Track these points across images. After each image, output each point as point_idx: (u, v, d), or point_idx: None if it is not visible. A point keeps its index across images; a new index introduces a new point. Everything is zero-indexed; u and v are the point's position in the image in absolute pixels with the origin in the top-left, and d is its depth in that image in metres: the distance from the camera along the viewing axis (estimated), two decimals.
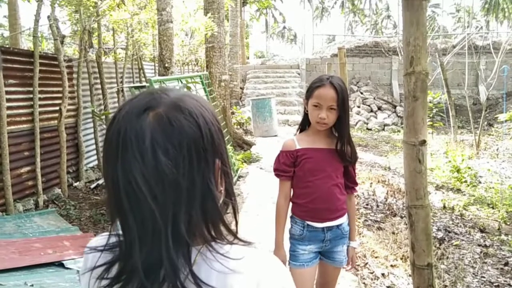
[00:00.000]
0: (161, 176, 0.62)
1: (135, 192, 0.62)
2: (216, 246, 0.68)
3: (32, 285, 2.41)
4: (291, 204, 2.13)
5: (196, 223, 0.66)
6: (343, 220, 2.08)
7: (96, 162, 7.00)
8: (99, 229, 4.51)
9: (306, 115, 2.07)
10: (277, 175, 2.11)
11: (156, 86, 5.12)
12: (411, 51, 1.81)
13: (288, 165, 2.05)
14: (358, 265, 3.47)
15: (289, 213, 2.14)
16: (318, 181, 2.00)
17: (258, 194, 5.76)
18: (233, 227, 0.72)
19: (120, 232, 0.69)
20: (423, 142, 1.84)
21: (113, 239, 0.71)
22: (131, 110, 0.66)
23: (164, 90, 0.70)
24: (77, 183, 6.15)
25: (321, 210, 2.01)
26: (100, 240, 0.75)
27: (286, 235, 2.12)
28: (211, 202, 0.68)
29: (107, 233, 0.74)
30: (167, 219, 0.63)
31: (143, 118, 0.64)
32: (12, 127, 4.84)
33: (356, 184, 2.15)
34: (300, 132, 2.15)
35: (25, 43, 17.88)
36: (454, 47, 12.86)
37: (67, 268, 2.87)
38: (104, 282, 0.67)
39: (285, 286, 0.69)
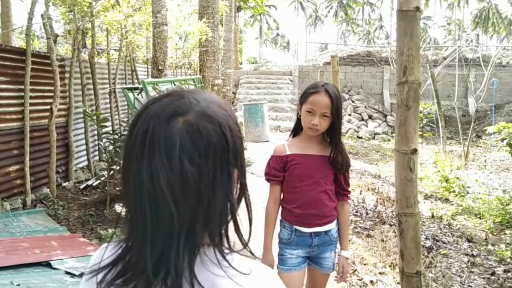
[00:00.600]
0: (185, 183, 0.63)
1: (158, 194, 0.63)
2: (219, 255, 0.68)
3: (18, 285, 2.38)
4: (280, 208, 2.14)
5: (213, 229, 0.67)
6: (332, 227, 2.09)
7: (86, 163, 6.94)
8: (87, 230, 4.46)
9: (299, 120, 2.09)
10: (267, 179, 2.12)
11: (149, 88, 5.11)
12: (405, 60, 1.84)
13: (278, 170, 2.07)
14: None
15: (279, 217, 2.15)
16: (306, 187, 2.02)
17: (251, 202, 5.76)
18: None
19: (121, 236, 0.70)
20: (415, 151, 1.86)
21: (115, 247, 0.72)
22: (159, 111, 0.67)
23: (194, 93, 0.71)
24: (66, 183, 6.09)
25: (308, 216, 2.02)
26: (99, 253, 0.76)
27: (275, 240, 2.13)
28: (230, 213, 0.69)
29: (104, 246, 0.75)
30: (183, 224, 0.64)
31: (172, 123, 0.65)
32: (2, 124, 4.79)
33: (348, 191, 2.16)
34: (293, 137, 2.17)
35: (16, 41, 17.71)
36: (444, 59, 13.06)
37: (54, 269, 2.83)
38: (105, 278, 0.68)
39: None
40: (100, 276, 0.69)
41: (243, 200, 0.76)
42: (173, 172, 0.63)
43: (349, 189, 2.17)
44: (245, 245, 0.73)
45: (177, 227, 0.63)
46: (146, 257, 0.64)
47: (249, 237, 0.74)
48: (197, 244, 0.66)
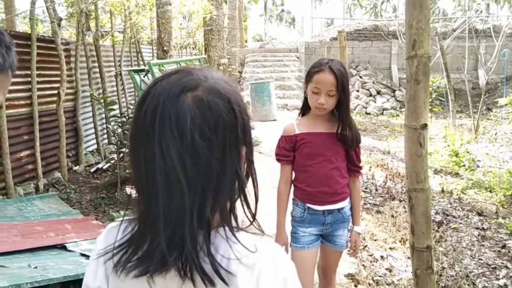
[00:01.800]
0: (196, 158, 0.64)
1: (170, 170, 0.64)
2: (228, 232, 0.69)
3: (35, 267, 2.43)
4: (293, 187, 2.15)
5: (222, 206, 0.68)
6: (345, 204, 2.09)
7: (95, 146, 7.00)
8: (99, 212, 4.54)
9: (306, 99, 2.07)
10: (277, 159, 2.13)
11: (155, 69, 5.09)
12: (414, 34, 1.80)
13: (288, 150, 2.07)
14: None
15: (292, 196, 2.16)
16: (317, 165, 2.02)
17: (257, 178, 5.78)
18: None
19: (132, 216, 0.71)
20: (424, 126, 1.84)
21: (127, 227, 0.73)
22: (168, 87, 0.67)
23: (201, 71, 0.71)
24: (77, 167, 6.16)
25: (320, 193, 2.03)
26: (111, 230, 0.77)
27: (288, 218, 2.15)
28: (239, 189, 0.70)
29: (116, 223, 0.76)
30: (194, 200, 0.64)
31: (183, 98, 0.65)
32: (11, 110, 4.82)
33: (360, 167, 2.15)
34: (302, 116, 2.16)
35: (20, 26, 17.66)
36: (454, 30, 12.79)
37: (70, 251, 2.89)
38: (121, 259, 0.69)
39: (287, 277, 0.70)
40: (116, 258, 0.70)
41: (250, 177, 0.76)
42: (184, 147, 0.63)
43: (360, 165, 2.17)
44: (253, 218, 0.74)
45: (189, 203, 0.64)
46: (160, 234, 0.65)
47: (255, 213, 0.75)
48: (209, 220, 0.66)
